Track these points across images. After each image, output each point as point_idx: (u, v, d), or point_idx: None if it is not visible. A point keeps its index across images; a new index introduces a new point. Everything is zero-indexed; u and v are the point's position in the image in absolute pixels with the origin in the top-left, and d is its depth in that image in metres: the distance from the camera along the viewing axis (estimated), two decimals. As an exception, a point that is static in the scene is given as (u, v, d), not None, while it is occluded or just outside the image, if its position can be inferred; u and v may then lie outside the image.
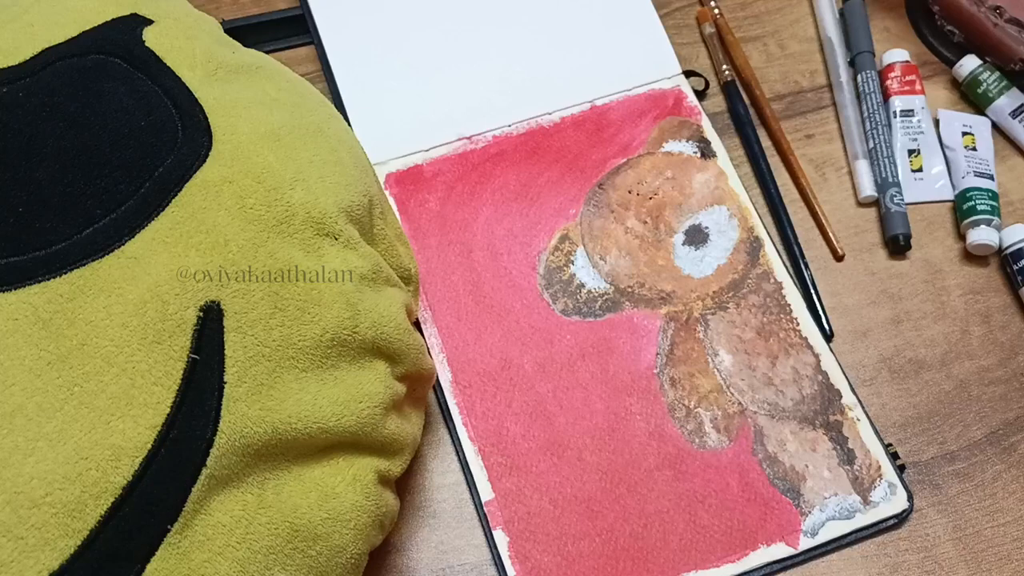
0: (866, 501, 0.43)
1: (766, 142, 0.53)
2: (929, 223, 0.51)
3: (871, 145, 0.52)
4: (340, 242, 0.33)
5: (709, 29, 0.56)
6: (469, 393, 0.45)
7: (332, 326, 0.32)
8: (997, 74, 0.53)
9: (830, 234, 0.50)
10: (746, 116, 0.53)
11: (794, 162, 0.52)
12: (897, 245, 0.49)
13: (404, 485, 0.43)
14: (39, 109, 0.32)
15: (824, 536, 0.42)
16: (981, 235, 0.49)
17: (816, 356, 0.46)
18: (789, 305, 0.47)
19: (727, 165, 0.51)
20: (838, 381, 0.46)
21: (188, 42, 0.35)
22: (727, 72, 0.54)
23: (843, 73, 0.54)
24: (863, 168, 0.51)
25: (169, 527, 0.28)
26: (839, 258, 0.50)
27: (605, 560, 0.41)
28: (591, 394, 0.45)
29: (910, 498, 0.43)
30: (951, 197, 0.51)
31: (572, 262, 0.48)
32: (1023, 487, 0.44)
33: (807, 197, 0.51)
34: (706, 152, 0.51)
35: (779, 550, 0.42)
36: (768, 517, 0.42)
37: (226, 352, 0.29)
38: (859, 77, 0.54)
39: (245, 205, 0.31)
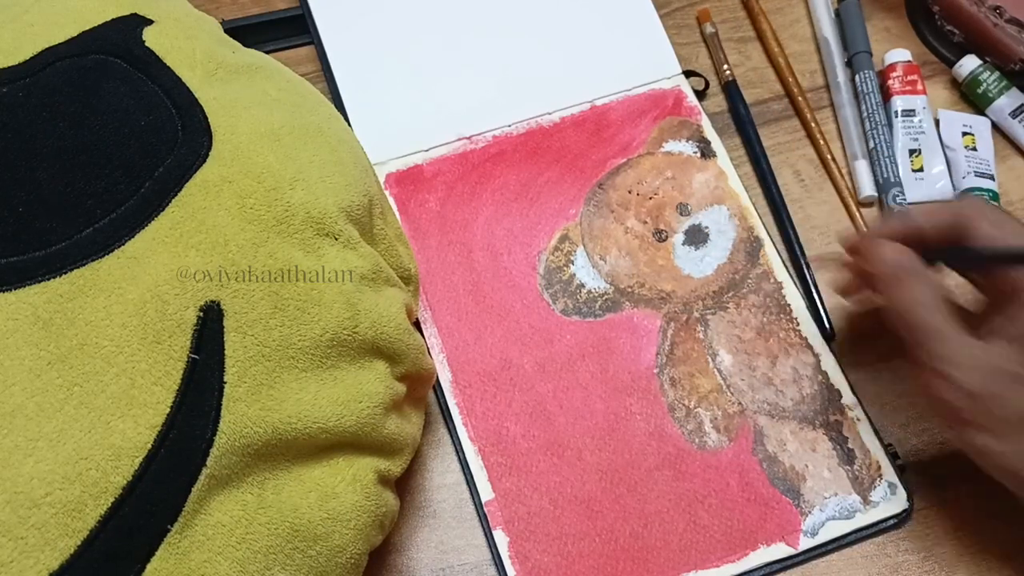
0: (866, 501, 0.43)
1: (767, 142, 0.53)
2: (929, 223, 0.51)
3: (871, 145, 0.52)
4: (340, 242, 0.33)
5: (710, 29, 0.56)
6: (469, 393, 0.45)
7: (332, 326, 0.32)
8: (997, 74, 0.53)
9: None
10: (747, 116, 0.53)
11: (825, 149, 0.52)
12: (897, 245, 0.49)
13: (404, 485, 0.43)
14: (39, 109, 0.31)
15: (824, 536, 0.42)
16: (981, 235, 0.49)
17: (816, 356, 0.46)
18: (789, 305, 0.47)
19: (727, 165, 0.51)
20: (838, 381, 0.46)
21: (188, 42, 0.35)
22: (727, 72, 0.54)
23: (840, 73, 0.54)
24: (862, 168, 0.51)
25: (169, 527, 0.28)
26: (839, 258, 0.50)
27: (605, 560, 0.41)
28: (591, 394, 0.45)
29: (910, 498, 0.43)
30: (952, 197, 0.51)
31: (572, 262, 0.48)
32: (1023, 487, 0.44)
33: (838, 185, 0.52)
34: (706, 152, 0.51)
35: (779, 550, 0.42)
36: (768, 517, 0.42)
37: (226, 352, 0.29)
38: (857, 77, 0.54)
39: (245, 205, 0.31)
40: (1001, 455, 0.36)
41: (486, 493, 0.43)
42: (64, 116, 0.31)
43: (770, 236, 0.49)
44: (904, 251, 0.39)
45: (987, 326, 0.37)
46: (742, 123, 0.53)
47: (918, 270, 0.38)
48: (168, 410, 0.28)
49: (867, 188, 0.51)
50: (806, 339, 0.46)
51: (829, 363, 0.46)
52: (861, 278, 0.42)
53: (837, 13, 0.56)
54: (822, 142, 0.52)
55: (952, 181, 0.52)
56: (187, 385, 0.28)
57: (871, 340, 0.47)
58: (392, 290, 0.36)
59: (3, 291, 0.28)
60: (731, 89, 0.54)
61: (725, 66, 0.54)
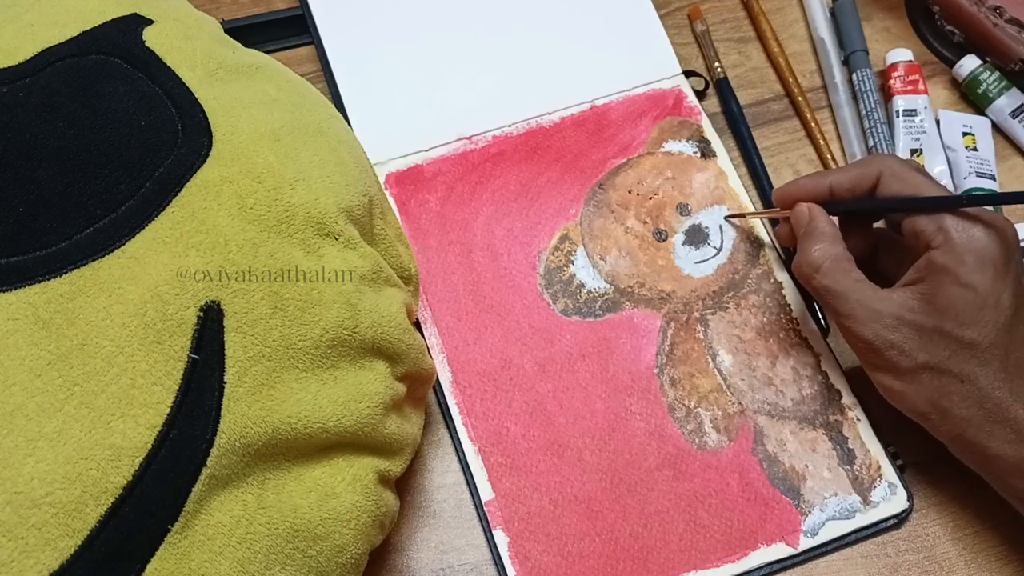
0: (866, 501, 0.43)
1: (768, 142, 0.53)
2: (929, 223, 0.51)
3: (870, 144, 0.52)
4: (340, 242, 0.33)
5: (700, 27, 0.56)
6: (469, 393, 0.45)
7: (332, 326, 0.32)
8: (997, 74, 0.53)
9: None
10: (739, 113, 0.53)
11: (824, 149, 0.52)
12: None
13: (404, 485, 0.43)
14: (39, 109, 0.32)
15: (824, 536, 0.42)
16: (981, 235, 0.49)
17: (816, 356, 0.46)
18: (789, 305, 0.47)
19: (727, 165, 0.51)
20: (838, 381, 0.46)
21: (188, 42, 0.35)
22: (719, 69, 0.54)
23: (837, 73, 0.54)
24: (863, 168, 0.51)
25: (169, 527, 0.28)
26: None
27: (605, 560, 0.41)
28: (591, 394, 0.45)
29: (910, 498, 0.43)
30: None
31: (572, 262, 0.48)
32: (1023, 487, 0.44)
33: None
34: (706, 152, 0.51)
35: (779, 550, 0.42)
36: (768, 517, 0.42)
37: (226, 352, 0.29)
38: (854, 76, 0.54)
39: (245, 205, 0.31)
40: (901, 394, 0.40)
41: (486, 493, 0.43)
42: (64, 116, 0.31)
43: (770, 236, 0.49)
44: (809, 214, 0.42)
45: (903, 277, 0.40)
46: (734, 120, 0.53)
47: (822, 232, 0.41)
48: (168, 410, 0.28)
49: (867, 188, 0.51)
50: (806, 339, 0.46)
51: (829, 363, 0.46)
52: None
53: (832, 13, 0.56)
54: (822, 142, 0.52)
55: (953, 181, 0.52)
56: (187, 385, 0.28)
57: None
58: (392, 290, 0.36)
59: (3, 291, 0.28)
60: (722, 86, 0.54)
61: (717, 64, 0.54)
